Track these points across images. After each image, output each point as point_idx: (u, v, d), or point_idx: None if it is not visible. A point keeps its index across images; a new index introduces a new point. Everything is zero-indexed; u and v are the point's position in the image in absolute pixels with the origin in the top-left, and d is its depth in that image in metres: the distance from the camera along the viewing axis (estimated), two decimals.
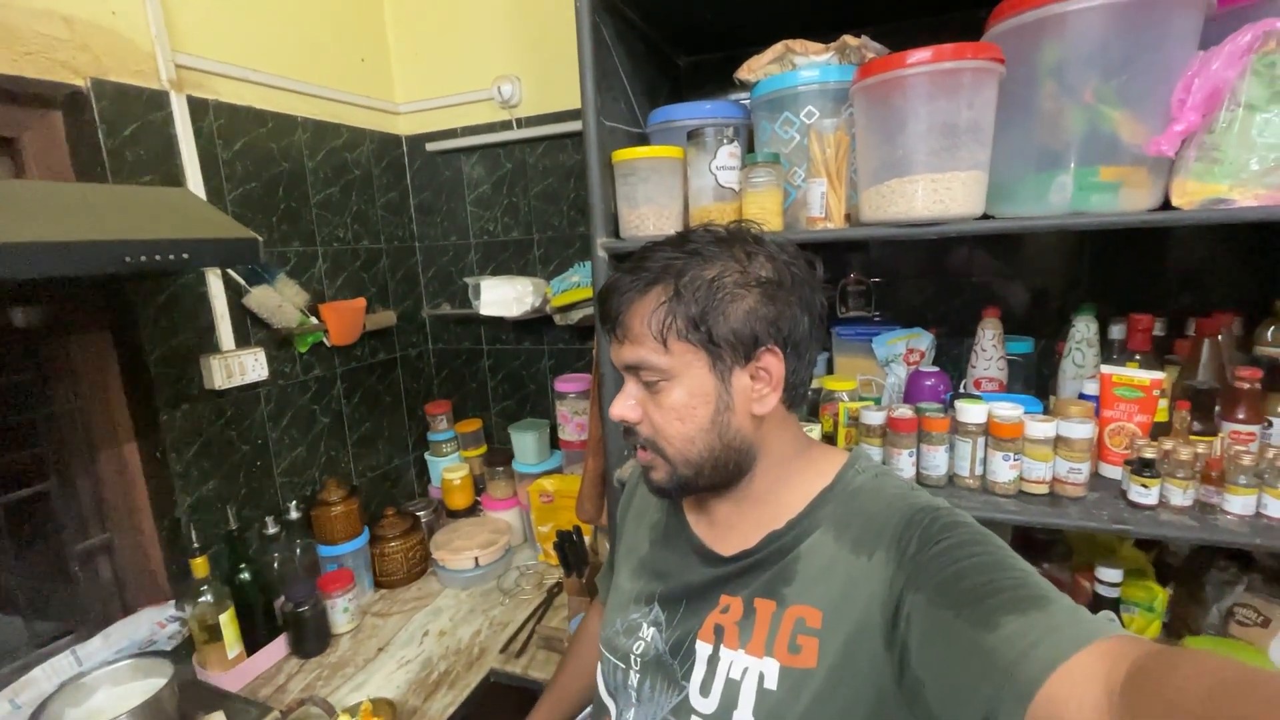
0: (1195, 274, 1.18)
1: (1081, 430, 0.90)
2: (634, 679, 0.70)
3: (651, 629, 0.71)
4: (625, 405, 0.66)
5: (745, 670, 0.61)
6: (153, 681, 0.96)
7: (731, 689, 0.62)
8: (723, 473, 0.65)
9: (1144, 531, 0.84)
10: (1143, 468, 0.87)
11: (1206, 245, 1.17)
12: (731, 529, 0.69)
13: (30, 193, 0.81)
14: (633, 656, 0.71)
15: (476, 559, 1.51)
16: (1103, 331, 1.14)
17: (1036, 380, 1.22)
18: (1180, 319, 1.14)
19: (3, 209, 0.71)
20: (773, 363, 0.62)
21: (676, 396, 0.62)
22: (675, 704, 0.66)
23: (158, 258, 0.78)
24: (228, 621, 1.19)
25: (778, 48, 1.00)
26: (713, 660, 0.64)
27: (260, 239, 0.91)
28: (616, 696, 0.73)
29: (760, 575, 0.65)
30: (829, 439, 1.15)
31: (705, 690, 0.64)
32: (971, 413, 0.95)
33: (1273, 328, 1.01)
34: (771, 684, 0.60)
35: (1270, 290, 1.07)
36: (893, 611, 0.55)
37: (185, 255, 0.81)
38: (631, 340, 0.63)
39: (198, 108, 1.22)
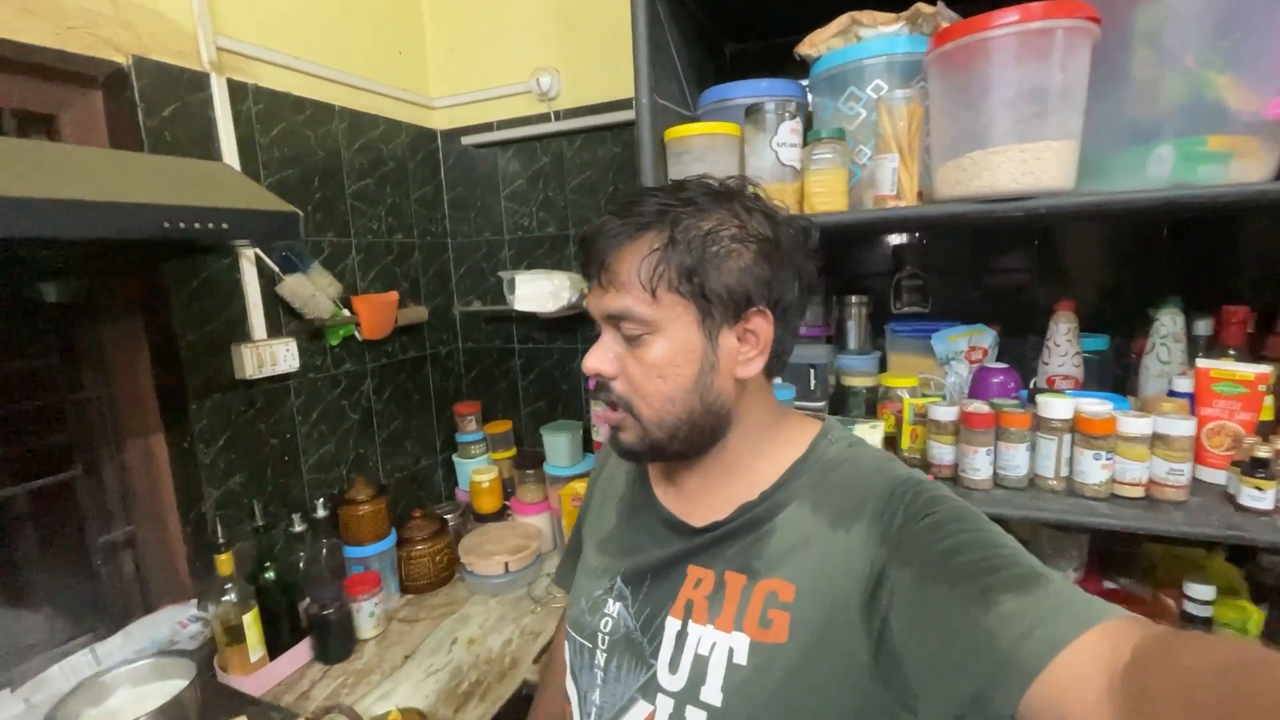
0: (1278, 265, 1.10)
1: (1182, 427, 0.83)
2: (600, 659, 0.67)
3: (617, 604, 0.68)
4: (601, 358, 0.61)
5: (714, 645, 0.59)
6: (174, 683, 0.90)
7: (700, 664, 0.59)
8: (697, 438, 0.62)
9: (1263, 539, 0.76)
10: (1255, 468, 0.79)
11: None
12: (701, 500, 0.66)
13: (69, 156, 0.78)
14: (600, 635, 0.68)
15: (507, 565, 1.44)
16: (1186, 327, 1.06)
17: (1112, 379, 1.14)
18: (1269, 315, 1.05)
19: (43, 169, 0.68)
20: (762, 325, 0.59)
21: (659, 351, 0.58)
22: (643, 682, 0.63)
23: (197, 225, 0.74)
24: (251, 622, 1.13)
25: (842, 20, 0.95)
26: (681, 635, 0.62)
27: (301, 214, 0.87)
28: (580, 678, 0.69)
29: (732, 547, 0.62)
30: (891, 440, 1.08)
31: (673, 667, 0.61)
32: (1056, 408, 0.87)
33: None
34: (741, 659, 0.57)
35: None
36: (874, 586, 0.53)
37: (225, 225, 0.78)
38: (617, 287, 0.59)
39: (237, 91, 1.19)
